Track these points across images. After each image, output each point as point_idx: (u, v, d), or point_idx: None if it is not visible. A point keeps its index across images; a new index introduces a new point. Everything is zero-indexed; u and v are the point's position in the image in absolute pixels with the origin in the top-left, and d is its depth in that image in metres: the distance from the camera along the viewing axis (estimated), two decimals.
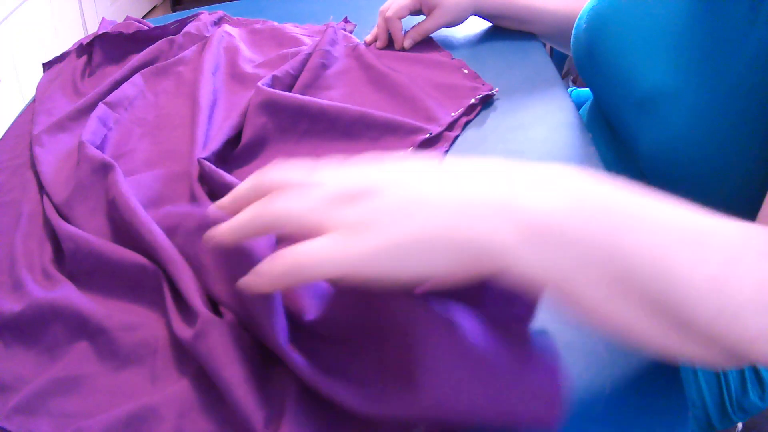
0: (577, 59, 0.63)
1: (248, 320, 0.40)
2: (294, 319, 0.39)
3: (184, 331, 0.41)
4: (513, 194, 0.29)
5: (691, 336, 0.30)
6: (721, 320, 0.29)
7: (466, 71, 0.70)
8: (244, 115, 0.62)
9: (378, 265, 0.28)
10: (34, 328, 0.45)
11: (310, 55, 0.71)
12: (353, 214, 0.29)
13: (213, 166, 0.54)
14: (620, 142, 0.60)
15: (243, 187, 0.34)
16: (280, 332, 0.37)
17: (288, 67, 0.69)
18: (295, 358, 0.36)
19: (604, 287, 0.28)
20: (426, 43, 0.78)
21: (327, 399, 0.35)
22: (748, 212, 0.35)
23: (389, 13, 0.76)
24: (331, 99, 0.66)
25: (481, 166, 0.31)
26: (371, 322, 0.37)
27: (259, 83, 0.64)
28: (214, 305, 0.43)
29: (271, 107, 0.61)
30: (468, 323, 0.33)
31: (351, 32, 0.82)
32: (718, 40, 0.43)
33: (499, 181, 0.30)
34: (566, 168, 0.30)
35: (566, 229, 0.28)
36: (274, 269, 0.30)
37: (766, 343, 0.29)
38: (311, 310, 0.39)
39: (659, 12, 0.50)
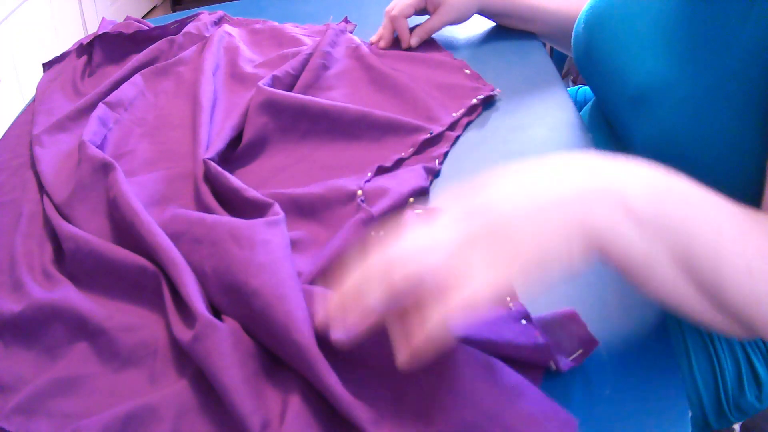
0: (577, 58, 0.63)
1: (256, 328, 0.40)
2: (318, 333, 0.39)
3: (183, 333, 0.41)
4: (604, 182, 0.32)
5: (726, 313, 0.35)
6: (748, 304, 0.34)
7: (467, 71, 0.70)
8: (245, 115, 0.62)
9: (528, 271, 0.30)
10: (34, 329, 0.45)
11: (310, 55, 0.71)
12: (481, 245, 0.30)
13: (219, 168, 0.54)
14: (618, 139, 0.60)
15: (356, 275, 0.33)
16: (307, 336, 0.37)
17: (288, 67, 0.69)
18: (323, 362, 0.36)
19: (671, 264, 0.33)
20: (428, 44, 0.78)
21: (340, 414, 0.36)
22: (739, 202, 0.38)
23: (395, 12, 0.76)
24: (332, 99, 0.66)
25: (558, 164, 0.34)
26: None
27: (260, 83, 0.64)
28: (214, 309, 0.43)
29: (272, 107, 0.61)
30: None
31: (351, 32, 0.82)
32: (710, 36, 0.44)
33: (584, 172, 0.33)
34: (625, 158, 0.34)
35: (647, 209, 0.32)
36: (444, 326, 0.30)
37: (763, 303, 0.34)
38: (336, 326, 0.40)
39: (653, 9, 0.50)
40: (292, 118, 0.62)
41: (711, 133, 0.45)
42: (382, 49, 0.77)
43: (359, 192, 0.51)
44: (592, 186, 0.32)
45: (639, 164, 0.34)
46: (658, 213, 0.32)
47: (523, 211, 0.31)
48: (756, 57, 0.40)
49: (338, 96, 0.67)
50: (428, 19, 0.77)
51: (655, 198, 0.33)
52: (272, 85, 0.65)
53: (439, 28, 0.77)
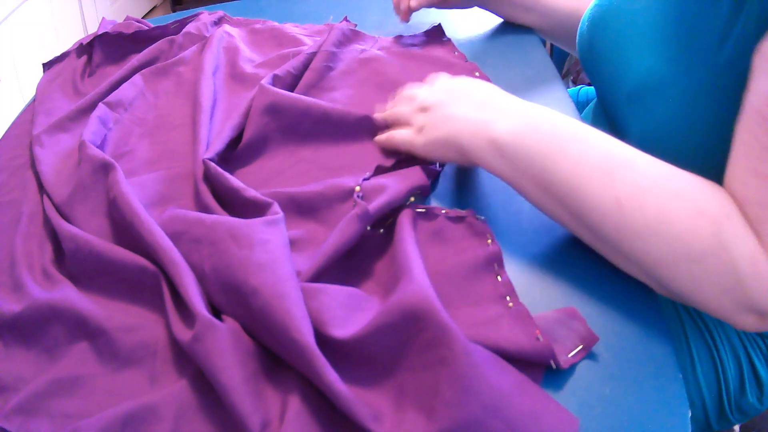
0: (582, 57, 0.64)
1: (256, 328, 0.40)
2: (317, 331, 0.39)
3: (182, 333, 0.41)
4: (491, 119, 0.48)
5: (605, 245, 0.43)
6: (623, 236, 0.41)
7: (477, 74, 0.69)
8: (246, 115, 0.62)
9: (424, 149, 0.53)
10: (34, 329, 0.45)
11: (314, 54, 0.71)
12: (419, 120, 0.53)
13: (218, 168, 0.54)
14: (619, 138, 0.61)
15: (397, 98, 0.60)
16: (307, 334, 0.37)
17: (289, 66, 0.68)
18: (323, 360, 0.36)
19: (536, 188, 0.45)
20: (443, 44, 0.77)
21: (341, 411, 0.36)
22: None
23: None
24: (335, 100, 0.66)
25: (491, 98, 0.50)
26: (407, 343, 0.38)
27: (262, 81, 0.64)
28: (214, 309, 0.43)
29: (273, 107, 0.61)
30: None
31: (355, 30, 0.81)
32: (704, 32, 0.45)
33: (490, 111, 0.49)
34: (538, 106, 0.47)
35: (513, 145, 0.45)
36: (382, 139, 0.58)
37: (668, 268, 0.39)
38: (337, 323, 0.40)
39: (653, 8, 0.51)
40: (294, 119, 0.62)
41: (704, 126, 0.46)
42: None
43: (357, 188, 0.51)
44: (476, 118, 0.48)
45: (536, 108, 0.47)
46: (518, 147, 0.45)
47: (447, 115, 0.51)
48: (747, 52, 0.41)
49: (341, 97, 0.67)
50: None
51: (518, 136, 0.45)
52: (273, 84, 0.65)
53: (439, 3, 0.77)
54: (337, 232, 0.46)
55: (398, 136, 0.55)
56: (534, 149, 0.44)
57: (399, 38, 0.78)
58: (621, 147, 0.43)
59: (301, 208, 0.52)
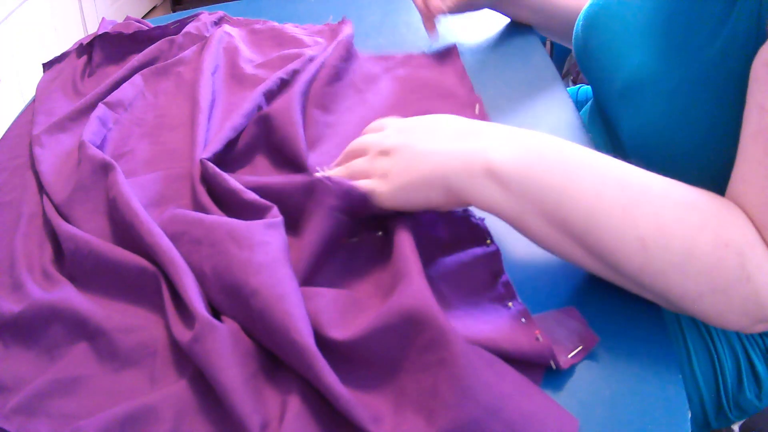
0: (577, 55, 0.64)
1: (255, 329, 0.40)
2: (317, 333, 0.39)
3: (182, 334, 0.41)
4: (483, 147, 0.41)
5: (625, 280, 0.40)
6: (646, 274, 0.38)
7: (477, 111, 0.64)
8: (245, 116, 0.62)
9: (394, 198, 0.44)
10: (34, 329, 0.45)
11: (320, 67, 0.69)
12: (381, 165, 0.45)
13: (216, 168, 0.54)
14: (612, 135, 0.61)
15: (346, 151, 0.50)
16: (306, 336, 0.37)
17: (301, 81, 0.66)
18: (322, 361, 0.36)
19: (547, 225, 0.40)
20: (454, 67, 0.72)
21: (340, 412, 0.36)
22: (718, 187, 0.41)
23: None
24: (332, 119, 0.64)
25: (474, 127, 0.44)
26: (406, 345, 0.38)
27: (261, 87, 0.63)
28: (213, 309, 0.43)
29: (265, 121, 0.61)
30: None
31: (351, 34, 0.81)
32: (694, 30, 0.45)
33: (478, 138, 0.42)
34: (531, 131, 0.42)
35: (518, 176, 0.40)
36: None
37: (692, 301, 0.38)
38: (336, 325, 0.40)
39: (646, 7, 0.51)
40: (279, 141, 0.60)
41: (694, 123, 0.46)
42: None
43: (317, 169, 0.49)
44: (463, 149, 0.42)
45: (531, 133, 0.42)
46: (523, 176, 0.40)
47: (422, 152, 0.43)
48: (737, 50, 0.41)
49: (339, 115, 0.66)
50: None
51: (522, 163, 0.40)
52: (278, 89, 0.65)
53: (467, 8, 0.73)
54: (312, 234, 0.45)
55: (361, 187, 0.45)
56: (545, 181, 0.39)
57: (409, 58, 0.74)
58: (635, 173, 0.40)
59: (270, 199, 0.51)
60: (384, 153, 0.45)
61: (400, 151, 0.44)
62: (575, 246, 0.40)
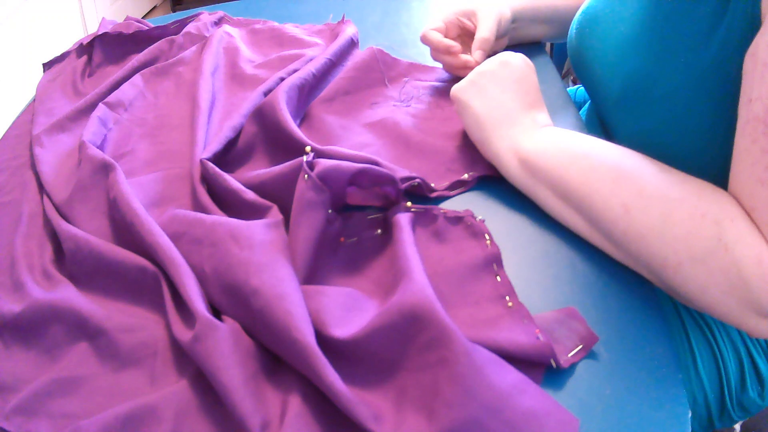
0: (572, 62, 0.64)
1: (256, 328, 0.40)
2: (318, 332, 0.39)
3: (183, 334, 0.41)
4: (518, 137, 0.52)
5: (617, 249, 0.46)
6: (630, 239, 0.43)
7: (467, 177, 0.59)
8: (245, 116, 0.62)
9: (462, 91, 0.56)
10: (34, 329, 0.45)
11: (331, 62, 0.69)
12: (476, 79, 0.56)
13: (216, 168, 0.54)
14: (610, 138, 0.61)
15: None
16: (307, 334, 0.37)
17: (298, 73, 0.66)
18: (324, 360, 0.36)
19: (555, 200, 0.49)
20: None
21: (341, 411, 0.36)
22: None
23: (439, 47, 0.68)
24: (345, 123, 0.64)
25: (528, 103, 0.55)
26: (407, 344, 0.38)
27: (262, 88, 0.63)
28: (214, 309, 0.43)
29: (261, 118, 0.61)
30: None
31: (353, 35, 0.81)
32: (687, 34, 0.45)
33: (519, 126, 0.53)
34: (553, 127, 0.53)
35: (535, 161, 0.50)
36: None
37: (673, 269, 0.41)
38: (337, 323, 0.40)
39: (637, 12, 0.51)
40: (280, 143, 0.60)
41: (690, 127, 0.47)
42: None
43: (308, 148, 0.48)
44: (510, 135, 0.53)
45: (554, 130, 0.52)
46: (538, 160, 0.50)
47: (494, 112, 0.54)
48: (731, 54, 0.41)
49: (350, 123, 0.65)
50: (477, 31, 0.67)
51: (539, 149, 0.50)
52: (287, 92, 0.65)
53: (494, 30, 0.67)
54: (302, 233, 0.45)
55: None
56: (551, 162, 0.49)
57: (424, 89, 0.70)
58: (633, 158, 0.46)
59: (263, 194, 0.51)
60: (482, 74, 0.56)
61: (491, 74, 0.56)
62: (574, 213, 0.48)
